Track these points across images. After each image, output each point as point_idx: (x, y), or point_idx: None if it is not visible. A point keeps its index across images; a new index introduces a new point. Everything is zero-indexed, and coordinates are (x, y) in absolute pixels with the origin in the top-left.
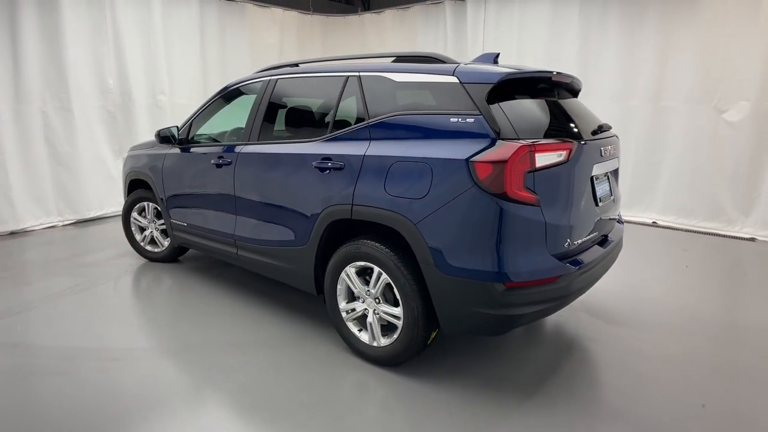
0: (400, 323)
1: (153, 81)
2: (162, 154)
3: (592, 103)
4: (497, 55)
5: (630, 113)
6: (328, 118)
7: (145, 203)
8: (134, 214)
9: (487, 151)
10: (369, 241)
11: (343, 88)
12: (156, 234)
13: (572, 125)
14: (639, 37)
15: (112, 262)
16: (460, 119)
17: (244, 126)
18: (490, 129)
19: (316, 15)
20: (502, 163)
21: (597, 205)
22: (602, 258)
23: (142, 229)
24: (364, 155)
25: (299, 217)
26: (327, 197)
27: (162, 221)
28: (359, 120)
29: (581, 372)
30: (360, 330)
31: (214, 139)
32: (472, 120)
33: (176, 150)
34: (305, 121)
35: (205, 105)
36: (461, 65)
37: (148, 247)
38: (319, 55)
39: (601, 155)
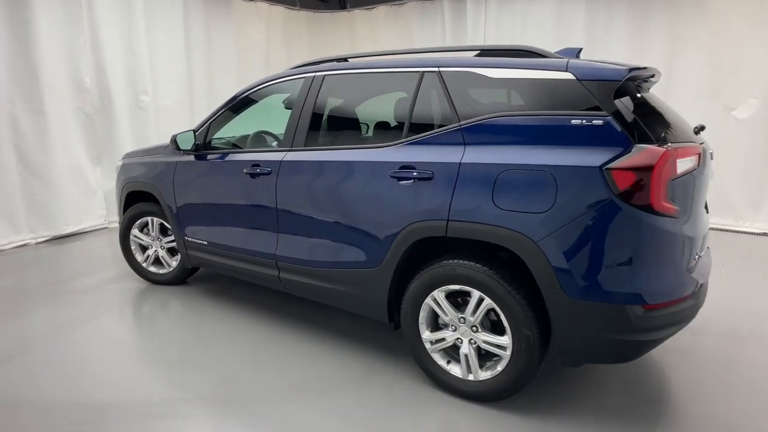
0: (506, 353)
1: (135, 80)
2: (172, 162)
3: None
4: (580, 50)
5: None
6: (400, 120)
7: (149, 218)
8: (135, 231)
9: (625, 157)
10: (468, 262)
11: (419, 85)
12: (162, 253)
13: (678, 126)
14: (646, 36)
15: (108, 286)
16: (584, 121)
17: (284, 129)
18: (624, 132)
19: (302, 11)
20: (647, 170)
21: (708, 212)
22: (709, 268)
23: (144, 248)
24: (461, 163)
25: (370, 235)
26: (410, 212)
27: (169, 238)
28: (445, 122)
29: (692, 392)
30: (449, 362)
31: (234, 145)
32: (600, 122)
33: (190, 157)
34: (370, 123)
35: (225, 106)
36: (571, 60)
37: (152, 269)
38: (305, 53)
39: (711, 158)
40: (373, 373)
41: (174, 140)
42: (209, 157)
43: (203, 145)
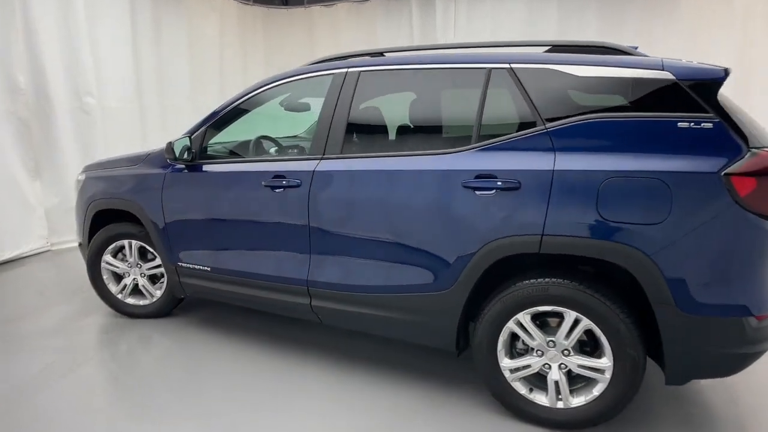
0: (604, 376)
1: (76, 79)
2: (158, 175)
3: None
4: (635, 48)
5: None
6: (466, 122)
7: (125, 242)
8: (107, 258)
9: (743, 161)
10: (562, 280)
11: (487, 83)
12: (142, 282)
13: (758, 127)
14: (618, 35)
15: (74, 324)
16: (692, 124)
17: (311, 134)
18: (736, 135)
19: (256, 6)
20: (766, 175)
21: None
22: None
23: (119, 277)
24: (554, 170)
25: (437, 253)
26: (492, 227)
27: (151, 264)
28: (523, 124)
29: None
30: (531, 390)
31: (232, 152)
32: (710, 125)
33: (183, 168)
34: (425, 127)
35: (227, 107)
36: (665, 58)
37: (130, 300)
38: (261, 50)
39: None
40: (437, 408)
41: (170, 148)
42: (209, 167)
43: (199, 154)
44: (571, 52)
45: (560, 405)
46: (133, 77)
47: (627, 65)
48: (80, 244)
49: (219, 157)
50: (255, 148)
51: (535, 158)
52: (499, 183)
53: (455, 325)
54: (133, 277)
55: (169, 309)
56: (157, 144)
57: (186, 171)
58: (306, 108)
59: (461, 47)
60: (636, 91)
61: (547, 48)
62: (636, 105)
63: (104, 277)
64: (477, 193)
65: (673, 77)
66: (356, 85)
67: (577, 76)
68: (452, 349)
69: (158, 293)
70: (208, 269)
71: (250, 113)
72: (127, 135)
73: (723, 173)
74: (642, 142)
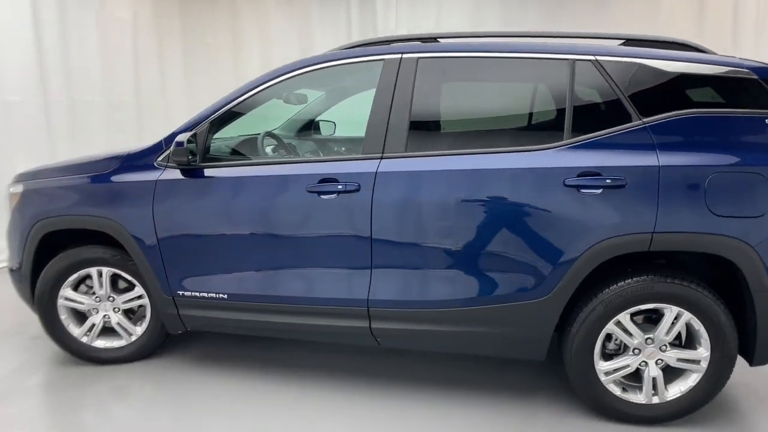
0: (700, 366)
1: None
2: (146, 183)
3: None
4: None
5: None
6: (553, 116)
7: (93, 270)
8: (66, 293)
9: None
10: (667, 277)
11: (572, 75)
12: (117, 318)
13: None
14: (556, 28)
15: (18, 383)
16: None
17: (292, 131)
18: None
19: None
20: None
21: None
22: None
23: (83, 315)
24: (660, 166)
25: (534, 259)
26: (598, 227)
27: (128, 296)
28: (619, 119)
29: None
30: (624, 390)
31: (242, 152)
32: None
33: (176, 173)
34: (501, 121)
35: (239, 98)
36: (741, 57)
37: (100, 343)
38: (178, 37)
39: None
40: (531, 419)
41: (185, 149)
42: (224, 171)
43: (203, 154)
44: (647, 46)
45: (656, 400)
46: (36, 66)
47: (710, 62)
48: (12, 270)
49: (230, 159)
50: (285, 144)
51: (638, 154)
52: (608, 181)
53: (550, 333)
54: (104, 313)
55: (152, 349)
56: (70, 146)
57: (188, 177)
58: (303, 100)
59: (523, 36)
60: (720, 87)
61: (620, 42)
62: (718, 101)
63: (62, 317)
64: (581, 191)
65: (755, 75)
66: (415, 74)
67: (666, 71)
68: (542, 358)
69: (139, 330)
70: (225, 297)
71: (267, 105)
72: (32, 134)
73: None
74: (736, 138)
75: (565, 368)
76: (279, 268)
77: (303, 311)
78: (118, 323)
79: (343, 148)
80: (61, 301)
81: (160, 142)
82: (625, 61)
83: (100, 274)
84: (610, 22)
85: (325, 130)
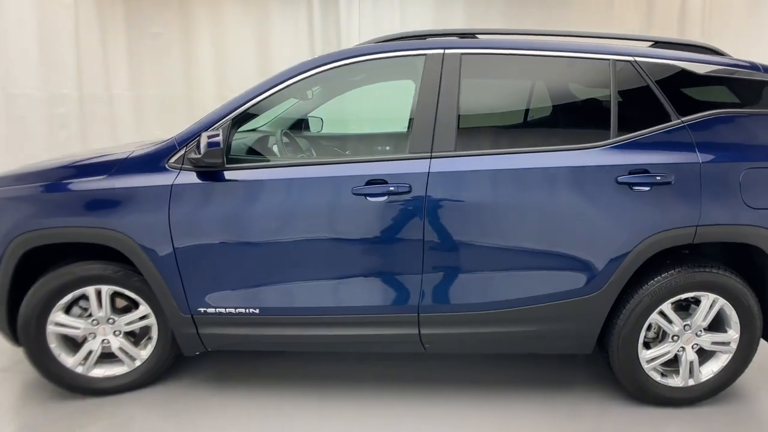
0: (730, 347)
1: None
2: (160, 187)
3: None
4: None
5: None
6: (601, 115)
7: (90, 289)
8: (57, 317)
9: None
10: (705, 267)
11: (615, 75)
12: (119, 343)
13: None
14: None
15: (3, 423)
16: None
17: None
18: None
19: None
20: None
21: None
22: None
23: (76, 342)
24: (701, 163)
25: (589, 255)
26: (649, 222)
27: (135, 315)
28: (659, 118)
29: None
30: (663, 375)
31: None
32: None
33: (193, 176)
34: (549, 119)
35: (262, 93)
36: (758, 62)
37: (98, 372)
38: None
39: None
40: (581, 413)
41: (219, 149)
42: (252, 173)
43: (226, 155)
44: (672, 48)
45: (692, 382)
46: None
47: (735, 65)
48: None
49: (256, 159)
50: (312, 145)
51: (680, 152)
52: (657, 178)
53: (599, 327)
54: (103, 337)
55: (158, 374)
56: None
57: (209, 180)
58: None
59: (559, 35)
60: (743, 89)
61: (650, 43)
62: (743, 101)
63: (52, 345)
64: (633, 189)
65: (762, 77)
66: (460, 70)
67: (699, 74)
68: (589, 352)
69: (143, 354)
70: (257, 311)
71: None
72: None
73: None
74: (762, 135)
75: (609, 359)
76: (322, 278)
77: (348, 322)
78: (120, 348)
79: (387, 147)
80: (51, 328)
81: (172, 142)
82: (663, 63)
83: (98, 294)
84: (569, 21)
85: (355, 128)
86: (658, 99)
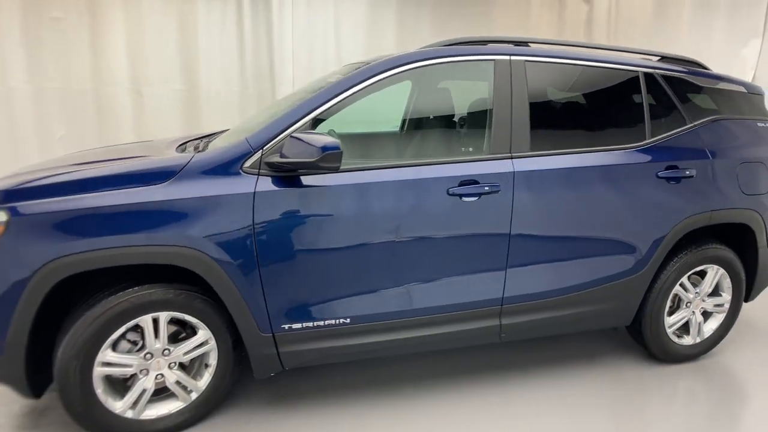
0: (724, 308)
1: None
2: (241, 195)
3: None
4: None
5: None
6: (637, 120)
7: (148, 317)
8: (106, 356)
9: None
10: (714, 244)
11: (646, 86)
12: (175, 376)
13: None
14: (447, 35)
15: None
16: (767, 124)
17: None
18: None
19: None
20: None
21: None
22: None
23: (122, 383)
24: (712, 160)
25: (638, 240)
26: (680, 210)
27: (192, 343)
28: (677, 123)
29: None
30: (679, 336)
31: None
32: None
33: (270, 182)
34: (599, 123)
35: (339, 95)
36: (733, 76)
37: (150, 413)
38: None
39: None
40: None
41: (338, 153)
42: (344, 176)
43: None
44: (676, 62)
45: (698, 339)
46: None
47: (724, 79)
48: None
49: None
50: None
51: (696, 151)
52: (687, 172)
53: (639, 301)
54: (157, 373)
55: (216, 405)
56: None
57: (292, 185)
58: None
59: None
60: (728, 99)
61: (658, 57)
62: (729, 109)
63: (98, 391)
64: (669, 182)
65: (746, 90)
66: (525, 76)
67: (701, 86)
68: (628, 323)
69: (200, 385)
70: (348, 321)
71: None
72: None
73: None
74: (747, 137)
75: (642, 328)
76: (415, 280)
77: (436, 321)
78: (177, 381)
79: (471, 148)
80: (98, 370)
81: (244, 144)
82: (677, 76)
83: (155, 323)
84: (491, 20)
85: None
86: (676, 106)
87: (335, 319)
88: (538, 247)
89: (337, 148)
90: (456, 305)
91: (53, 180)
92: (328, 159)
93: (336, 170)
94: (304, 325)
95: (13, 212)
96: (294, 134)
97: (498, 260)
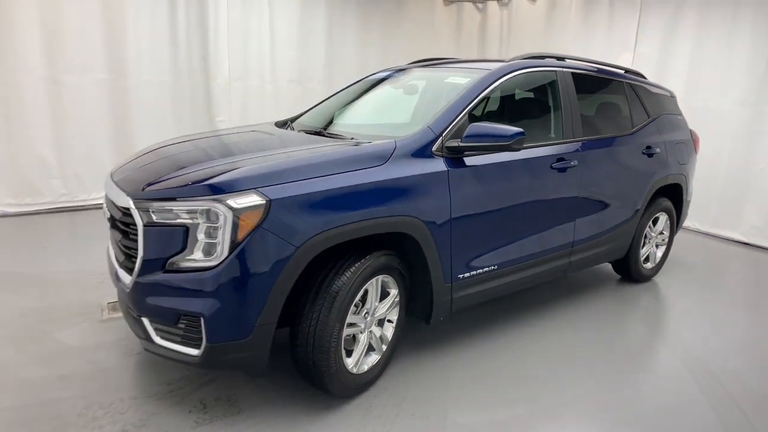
0: (665, 241)
1: None
2: (439, 173)
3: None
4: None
5: None
6: (628, 115)
7: (375, 280)
8: (350, 319)
9: None
10: (664, 199)
11: (627, 90)
12: (379, 332)
13: None
14: (368, 35)
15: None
16: (681, 118)
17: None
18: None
19: None
20: None
21: None
22: None
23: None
24: (665, 141)
25: (634, 195)
26: (655, 174)
27: (392, 300)
28: (645, 117)
29: None
30: (645, 262)
31: None
32: (681, 118)
33: (450, 162)
34: (608, 118)
35: (477, 96)
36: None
37: (362, 368)
38: None
39: None
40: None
41: (522, 136)
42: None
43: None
44: (633, 74)
45: (654, 264)
46: None
47: (659, 87)
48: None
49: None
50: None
51: (657, 135)
52: (656, 150)
53: (630, 240)
54: (369, 330)
55: (391, 357)
56: None
57: (473, 165)
58: (415, 91)
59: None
60: (663, 100)
61: (625, 70)
62: (665, 108)
63: (342, 352)
64: (648, 157)
65: (669, 94)
66: (575, 85)
67: (651, 91)
68: (623, 256)
69: (389, 336)
70: (496, 267)
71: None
72: None
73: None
74: (675, 126)
75: (630, 260)
76: (527, 235)
77: (543, 261)
78: (381, 337)
79: (552, 135)
80: (346, 331)
81: (427, 131)
82: (641, 85)
83: (376, 286)
84: (403, 26)
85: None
86: (643, 105)
87: (489, 266)
88: (591, 203)
89: (523, 134)
90: (554, 248)
91: (286, 166)
92: (519, 141)
93: (519, 149)
94: (471, 273)
95: (271, 196)
96: (477, 124)
97: (573, 214)
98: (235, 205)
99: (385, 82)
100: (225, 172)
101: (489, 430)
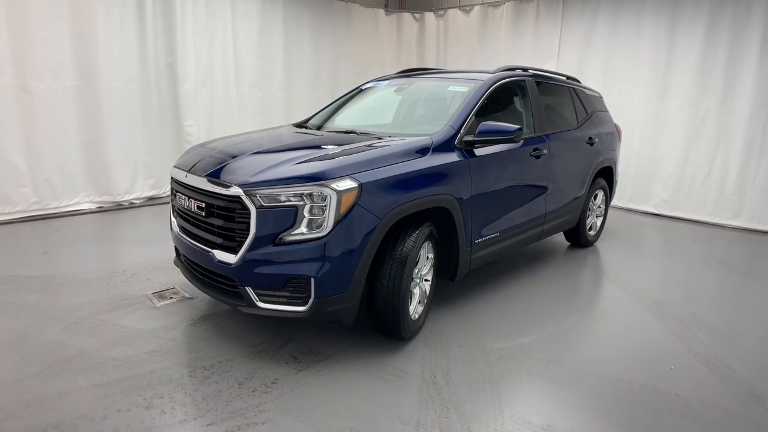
0: (602, 212)
1: None
2: (461, 162)
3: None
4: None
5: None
6: (573, 113)
7: (426, 243)
8: (414, 273)
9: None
10: (601, 179)
11: (572, 94)
12: (426, 287)
13: None
14: (320, 36)
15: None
16: (606, 113)
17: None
18: None
19: None
20: None
21: None
22: None
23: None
24: (599, 132)
25: (582, 176)
26: (597, 159)
27: (428, 263)
28: (587, 114)
29: None
30: (589, 231)
31: None
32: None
33: (467, 153)
34: (561, 115)
35: (482, 97)
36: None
37: (414, 316)
38: None
39: None
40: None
41: (521, 131)
42: (494, 149)
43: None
44: (573, 80)
45: (595, 232)
46: None
47: (590, 89)
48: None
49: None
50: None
51: (596, 128)
52: (596, 140)
53: (580, 212)
54: (419, 284)
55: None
56: None
57: (480, 156)
58: (421, 97)
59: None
60: (594, 99)
61: (566, 77)
62: (595, 106)
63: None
64: (592, 145)
65: (598, 94)
66: (538, 89)
67: (587, 93)
68: (574, 226)
69: (427, 289)
70: (498, 234)
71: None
72: None
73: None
74: (604, 120)
75: (580, 228)
76: (517, 207)
77: (525, 229)
78: (424, 291)
79: (526, 129)
80: (413, 283)
81: (448, 128)
82: (582, 89)
83: (426, 248)
84: (350, 39)
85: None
86: (584, 105)
87: (493, 233)
88: (556, 183)
89: (521, 129)
90: (533, 219)
91: (366, 158)
92: (518, 135)
93: (519, 141)
94: (483, 239)
95: (361, 180)
96: (486, 123)
97: (545, 192)
98: (338, 188)
99: (387, 89)
100: (321, 163)
101: (520, 351)
